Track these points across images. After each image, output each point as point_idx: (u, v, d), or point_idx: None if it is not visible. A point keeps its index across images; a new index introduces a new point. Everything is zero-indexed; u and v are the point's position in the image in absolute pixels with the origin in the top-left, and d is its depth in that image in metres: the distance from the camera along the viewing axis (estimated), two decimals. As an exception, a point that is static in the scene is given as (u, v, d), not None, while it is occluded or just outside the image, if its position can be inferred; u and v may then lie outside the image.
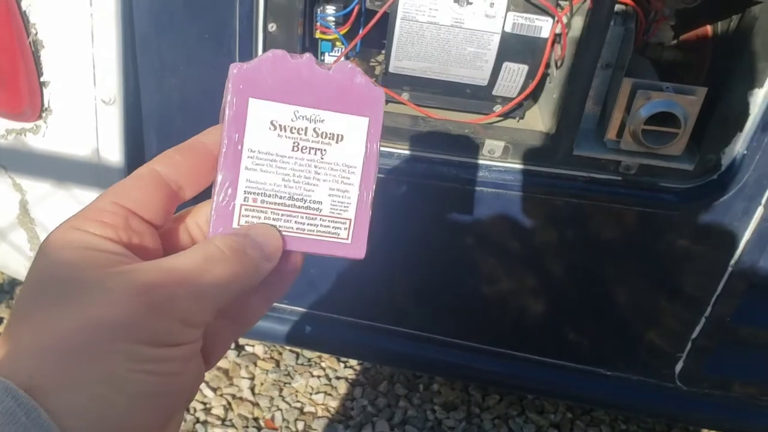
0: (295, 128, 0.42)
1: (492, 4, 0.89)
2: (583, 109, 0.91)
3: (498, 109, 0.98)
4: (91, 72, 0.92)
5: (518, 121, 1.01)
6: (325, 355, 1.64)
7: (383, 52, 0.95)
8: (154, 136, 0.96)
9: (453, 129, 0.97)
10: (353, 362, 1.64)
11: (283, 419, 1.51)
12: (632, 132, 0.90)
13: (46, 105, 0.96)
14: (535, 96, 1.05)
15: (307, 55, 0.41)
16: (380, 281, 1.10)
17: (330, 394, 1.57)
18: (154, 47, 0.90)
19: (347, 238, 0.44)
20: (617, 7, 0.88)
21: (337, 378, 1.60)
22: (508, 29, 0.90)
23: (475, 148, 0.96)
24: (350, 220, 0.43)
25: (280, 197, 0.42)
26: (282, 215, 0.42)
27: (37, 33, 0.91)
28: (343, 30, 0.94)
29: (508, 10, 0.89)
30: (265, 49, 0.91)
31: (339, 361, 1.64)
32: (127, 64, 0.91)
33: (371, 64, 1.09)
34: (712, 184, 0.95)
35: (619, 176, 0.95)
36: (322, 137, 0.42)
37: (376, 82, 0.38)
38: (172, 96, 0.93)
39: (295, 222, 0.42)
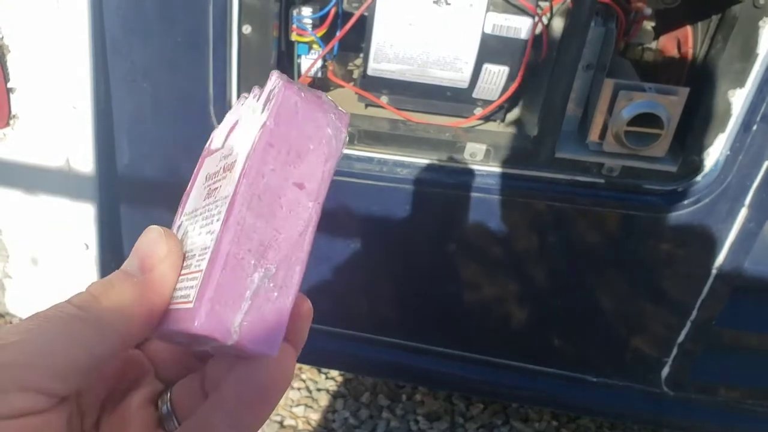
0: (215, 173, 0.32)
1: (471, 5, 0.87)
2: (564, 111, 0.90)
3: (479, 111, 0.97)
4: (59, 77, 0.89)
5: (499, 124, 1.00)
6: (305, 366, 1.61)
7: (362, 54, 0.93)
8: (125, 143, 0.93)
9: (433, 132, 0.95)
10: (334, 373, 1.61)
11: (264, 433, 1.48)
12: (615, 133, 0.89)
13: (13, 112, 0.93)
14: (516, 98, 1.03)
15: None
16: (361, 289, 1.08)
17: (311, 407, 1.54)
18: (125, 51, 0.88)
19: (190, 301, 0.29)
20: (597, 7, 0.87)
21: (318, 390, 1.57)
22: (487, 30, 0.88)
23: (456, 152, 0.94)
24: (201, 271, 0.29)
25: (188, 257, 0.31)
26: (186, 280, 0.31)
27: (2, 37, 0.88)
28: (320, 32, 0.92)
29: (487, 10, 0.87)
30: (239, 53, 0.88)
31: (320, 372, 1.61)
32: (98, 69, 0.88)
33: (349, 67, 1.07)
34: (695, 186, 0.94)
35: (602, 178, 0.94)
36: (224, 170, 0.32)
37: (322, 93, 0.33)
38: (144, 101, 0.90)
39: (181, 291, 0.31)
